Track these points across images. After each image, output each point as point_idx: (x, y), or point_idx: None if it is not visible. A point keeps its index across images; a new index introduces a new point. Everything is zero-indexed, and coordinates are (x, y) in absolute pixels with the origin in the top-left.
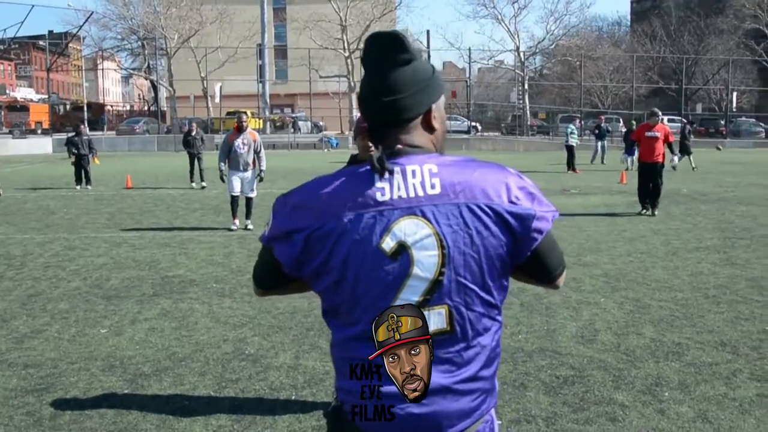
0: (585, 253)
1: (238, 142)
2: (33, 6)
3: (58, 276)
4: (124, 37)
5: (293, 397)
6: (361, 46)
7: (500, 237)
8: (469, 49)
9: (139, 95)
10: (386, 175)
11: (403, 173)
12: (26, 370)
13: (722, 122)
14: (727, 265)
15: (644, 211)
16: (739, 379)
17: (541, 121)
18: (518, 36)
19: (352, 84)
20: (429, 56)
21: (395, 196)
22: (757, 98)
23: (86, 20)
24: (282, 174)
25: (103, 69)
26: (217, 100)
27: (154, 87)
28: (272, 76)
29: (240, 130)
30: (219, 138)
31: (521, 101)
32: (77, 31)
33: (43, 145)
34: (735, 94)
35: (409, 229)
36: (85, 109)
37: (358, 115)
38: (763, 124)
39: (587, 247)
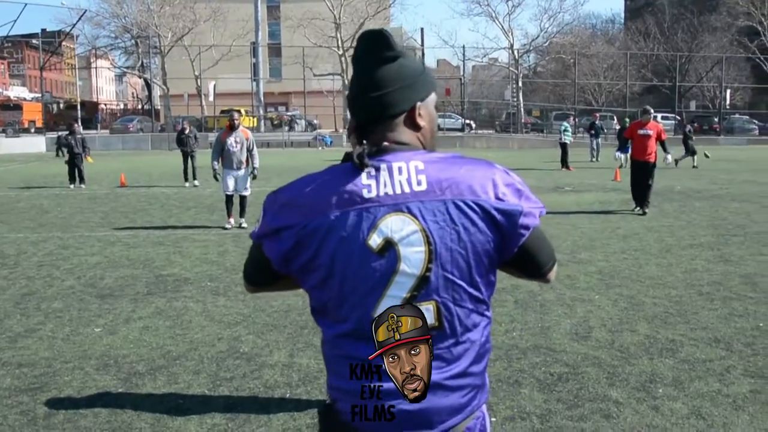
0: (579, 251)
1: (231, 140)
2: (26, 4)
3: (52, 275)
4: (117, 36)
5: (288, 396)
6: (355, 44)
7: (487, 233)
8: (463, 47)
9: (132, 94)
10: (372, 171)
11: (390, 170)
12: (20, 369)
13: (716, 119)
14: (720, 262)
15: (638, 208)
16: (733, 375)
17: (535, 119)
18: (512, 34)
19: (346, 82)
20: (423, 54)
21: (382, 193)
22: (750, 95)
23: (79, 18)
24: (276, 172)
25: (96, 67)
26: (211, 98)
27: (148, 85)
28: (266, 74)
29: (232, 128)
30: (213, 136)
31: (515, 99)
32: (70, 30)
33: (36, 143)
34: (728, 91)
35: (395, 226)
36: (79, 107)
37: None
38: (756, 121)
39: (581, 244)
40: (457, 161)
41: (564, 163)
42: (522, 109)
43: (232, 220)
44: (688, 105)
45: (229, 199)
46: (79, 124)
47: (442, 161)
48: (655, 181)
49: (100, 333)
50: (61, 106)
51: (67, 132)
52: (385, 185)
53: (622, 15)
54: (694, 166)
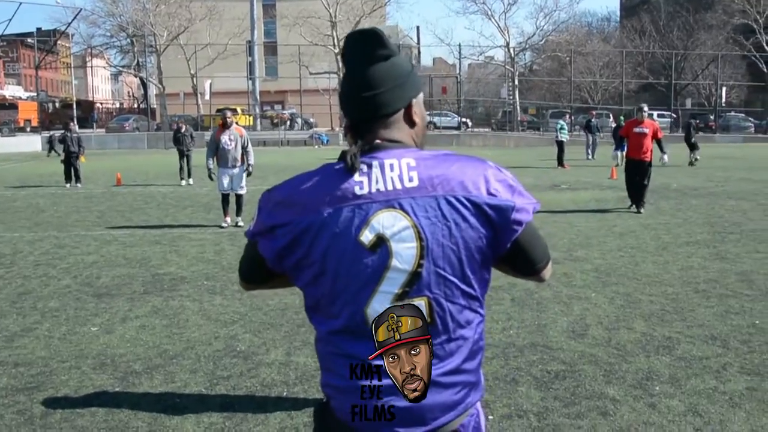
0: (575, 249)
1: (225, 138)
2: (21, 3)
3: (48, 274)
4: (113, 35)
5: (285, 394)
6: (344, 43)
7: (479, 229)
8: (459, 45)
9: (128, 93)
10: (364, 168)
11: (381, 167)
12: (17, 369)
13: (712, 117)
14: (717, 260)
15: (633, 206)
16: (729, 372)
17: (532, 117)
18: (508, 32)
19: None
20: (419, 52)
21: (373, 190)
22: (746, 93)
23: (75, 17)
24: (273, 171)
25: (92, 66)
26: (207, 97)
27: (144, 84)
28: (262, 72)
29: (225, 126)
30: (209, 135)
31: (511, 97)
32: (66, 29)
33: (32, 143)
34: (724, 89)
35: (387, 222)
36: (75, 106)
37: None
38: (752, 119)
39: (578, 242)
40: (448, 158)
41: (560, 161)
42: (518, 107)
43: (228, 219)
44: (683, 103)
45: (225, 198)
46: (75, 123)
47: (433, 158)
48: (651, 180)
49: (97, 332)
50: (57, 105)
51: (62, 131)
52: (377, 182)
53: (618, 13)
54: (695, 160)
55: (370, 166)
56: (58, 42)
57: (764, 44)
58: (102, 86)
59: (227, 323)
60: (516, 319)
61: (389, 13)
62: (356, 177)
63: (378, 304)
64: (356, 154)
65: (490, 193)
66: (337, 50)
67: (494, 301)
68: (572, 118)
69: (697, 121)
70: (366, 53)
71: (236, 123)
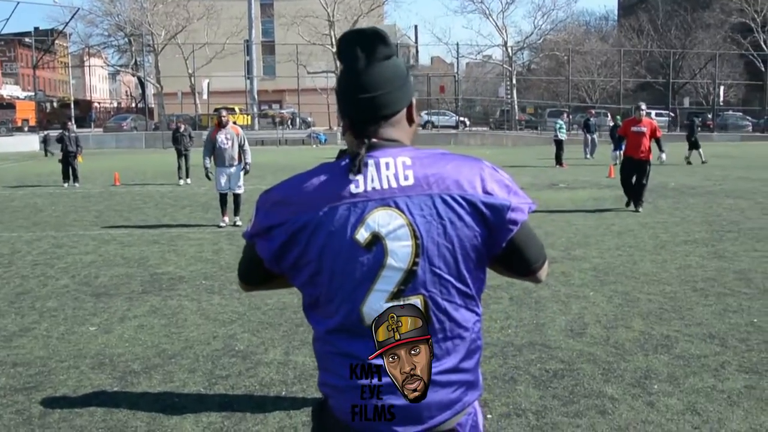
0: (574, 247)
1: (221, 137)
2: (18, 2)
3: (46, 274)
4: (110, 34)
5: (283, 393)
6: (343, 42)
7: (474, 228)
8: (457, 44)
9: (126, 92)
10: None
11: (377, 166)
12: (15, 369)
13: (709, 116)
14: (715, 258)
15: (630, 204)
16: (728, 371)
17: (529, 116)
18: (506, 31)
19: None
20: (417, 51)
21: (369, 188)
22: (743, 92)
23: (72, 17)
24: (271, 170)
25: (89, 66)
26: (205, 96)
27: (142, 84)
28: (260, 72)
29: (221, 125)
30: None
31: (509, 96)
32: (63, 28)
33: (29, 142)
34: (722, 88)
35: (382, 220)
36: (72, 106)
37: None
38: (750, 118)
39: (576, 241)
40: (444, 157)
41: (558, 160)
42: (516, 106)
43: (226, 218)
44: (681, 102)
45: (223, 197)
46: (73, 122)
47: (429, 157)
48: (650, 179)
49: (95, 332)
50: (55, 104)
51: (60, 131)
52: (372, 180)
53: (616, 12)
54: (688, 161)
55: (366, 165)
56: (56, 41)
57: (762, 43)
58: (99, 86)
59: (226, 323)
60: (514, 318)
61: (387, 12)
62: (352, 175)
63: (374, 303)
64: (363, 156)
65: (485, 192)
66: (335, 49)
67: (492, 300)
68: (570, 117)
69: (701, 120)
70: (370, 53)
71: (234, 122)
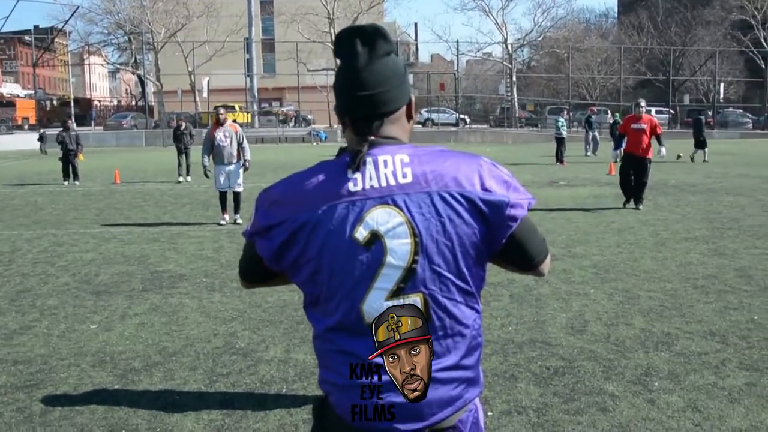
0: (574, 245)
1: (220, 135)
2: (18, 0)
3: (46, 272)
4: (110, 32)
5: (284, 391)
6: (342, 39)
7: (473, 224)
8: (457, 42)
9: (126, 90)
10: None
11: (375, 163)
12: (16, 367)
13: (710, 113)
14: (715, 256)
15: (629, 201)
16: (728, 368)
17: (530, 113)
18: (506, 28)
19: None
20: (417, 49)
21: (367, 186)
22: (744, 89)
23: (72, 15)
24: (271, 168)
25: (89, 64)
26: (205, 94)
27: (142, 82)
28: (260, 69)
29: (219, 123)
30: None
31: (509, 93)
32: (63, 26)
33: (29, 140)
34: (722, 85)
35: (381, 218)
36: (72, 104)
37: None
38: (750, 115)
39: (576, 238)
40: (443, 154)
41: (559, 157)
42: (516, 104)
43: (226, 216)
44: (682, 99)
45: (222, 195)
46: (73, 120)
47: (427, 154)
48: (650, 176)
49: (96, 330)
50: (55, 102)
51: (60, 129)
52: (370, 178)
53: (616, 9)
54: (704, 160)
55: (364, 163)
56: (56, 39)
57: (762, 40)
58: (99, 84)
59: (226, 320)
60: (515, 315)
61: (387, 10)
62: (350, 173)
63: (374, 301)
64: (364, 154)
65: (484, 189)
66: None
67: (493, 298)
68: (570, 114)
69: (707, 117)
70: (371, 49)
71: (234, 120)
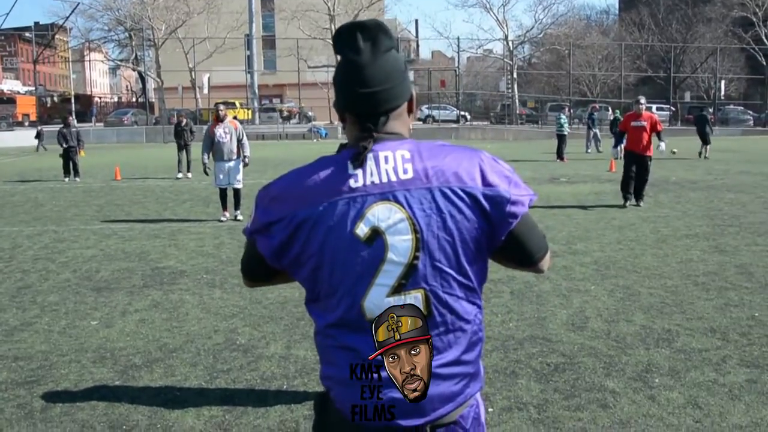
0: (575, 241)
1: (220, 131)
2: None
3: (47, 268)
4: (110, 28)
5: (285, 387)
6: (342, 35)
7: (474, 220)
8: (458, 39)
9: (126, 87)
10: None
11: (376, 159)
12: (16, 363)
13: (710, 110)
14: (716, 252)
15: (627, 202)
16: (729, 365)
17: (530, 110)
18: (507, 25)
19: None
20: (418, 45)
21: (368, 182)
22: (745, 86)
23: (72, 11)
24: (272, 165)
25: (90, 60)
26: (206, 90)
27: (142, 78)
28: (260, 66)
29: (219, 120)
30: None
31: (510, 90)
32: (63, 23)
33: (30, 137)
34: (723, 82)
35: (382, 215)
36: (73, 101)
37: None
38: (751, 112)
39: (577, 235)
40: (444, 149)
41: (559, 154)
42: (517, 101)
43: (227, 213)
44: (682, 96)
45: (223, 192)
46: (74, 117)
47: (428, 149)
48: (650, 173)
49: (97, 326)
50: (55, 99)
51: (61, 126)
52: (371, 174)
53: (617, 6)
54: (705, 157)
55: (365, 159)
56: (56, 36)
57: (763, 37)
58: (100, 80)
59: (227, 317)
60: (515, 311)
61: (387, 6)
62: (351, 170)
63: (375, 297)
64: (370, 149)
65: (485, 184)
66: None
67: (493, 294)
68: (571, 111)
69: (710, 110)
70: (374, 45)
71: (235, 117)
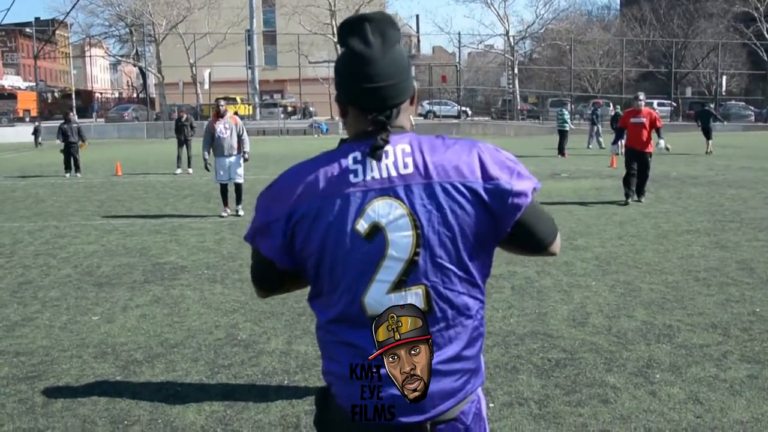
0: (576, 237)
1: (220, 127)
2: None
3: (48, 264)
4: (111, 24)
5: (285, 383)
6: (350, 28)
7: (476, 215)
8: (459, 34)
9: (127, 82)
10: (359, 156)
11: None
12: (18, 358)
13: (712, 106)
14: (717, 248)
15: (628, 199)
16: (730, 360)
17: (531, 106)
18: (508, 20)
19: None
20: (419, 41)
21: (368, 178)
22: (746, 82)
23: (73, 7)
24: (273, 160)
25: (90, 56)
26: (206, 86)
27: (143, 74)
28: (261, 61)
29: (219, 115)
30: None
31: (511, 86)
32: (64, 18)
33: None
34: (724, 77)
35: (382, 210)
36: (74, 96)
37: None
38: (752, 108)
39: (578, 230)
40: (444, 143)
41: (560, 149)
42: (518, 96)
43: (228, 209)
44: (684, 91)
45: (223, 188)
46: (74, 112)
47: (428, 144)
48: (651, 169)
49: (98, 321)
50: (56, 94)
51: (62, 121)
52: (371, 169)
53: (618, 1)
54: (709, 151)
55: (365, 154)
56: (57, 31)
57: (765, 32)
58: (101, 76)
59: (228, 312)
60: (516, 307)
61: (388, 2)
62: (351, 165)
63: (375, 293)
64: (385, 143)
65: (486, 178)
66: (336, 39)
67: (494, 290)
68: (573, 106)
69: (714, 106)
70: (383, 38)
71: (235, 113)
